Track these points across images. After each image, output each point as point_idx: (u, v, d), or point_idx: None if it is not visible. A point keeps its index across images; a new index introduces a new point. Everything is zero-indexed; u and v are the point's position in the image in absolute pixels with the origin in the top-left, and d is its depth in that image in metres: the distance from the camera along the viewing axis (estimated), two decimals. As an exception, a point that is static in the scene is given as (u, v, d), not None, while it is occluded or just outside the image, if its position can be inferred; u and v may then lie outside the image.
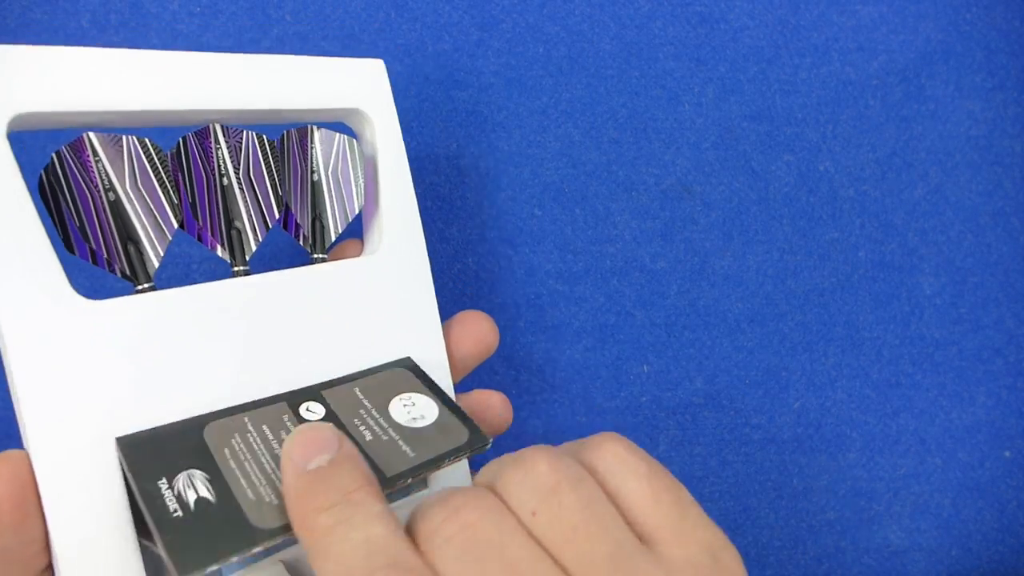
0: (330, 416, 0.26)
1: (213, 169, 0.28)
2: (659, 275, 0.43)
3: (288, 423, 0.26)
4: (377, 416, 0.27)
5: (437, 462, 0.26)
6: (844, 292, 0.44)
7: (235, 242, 0.28)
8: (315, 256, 0.30)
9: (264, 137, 0.29)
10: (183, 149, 0.27)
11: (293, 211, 0.30)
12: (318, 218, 0.30)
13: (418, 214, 0.32)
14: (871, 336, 0.44)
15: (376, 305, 0.30)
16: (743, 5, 0.44)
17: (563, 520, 0.21)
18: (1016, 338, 0.45)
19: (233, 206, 0.28)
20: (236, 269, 0.28)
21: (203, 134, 0.28)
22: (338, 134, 0.31)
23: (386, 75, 0.32)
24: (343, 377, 0.28)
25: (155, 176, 0.27)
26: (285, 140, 0.30)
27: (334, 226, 0.30)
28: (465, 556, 0.20)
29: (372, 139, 0.32)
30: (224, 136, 0.28)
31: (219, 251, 0.28)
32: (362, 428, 0.26)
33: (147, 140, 0.26)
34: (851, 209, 0.44)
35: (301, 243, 0.30)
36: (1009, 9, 0.45)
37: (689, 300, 0.43)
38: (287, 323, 0.28)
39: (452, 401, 0.28)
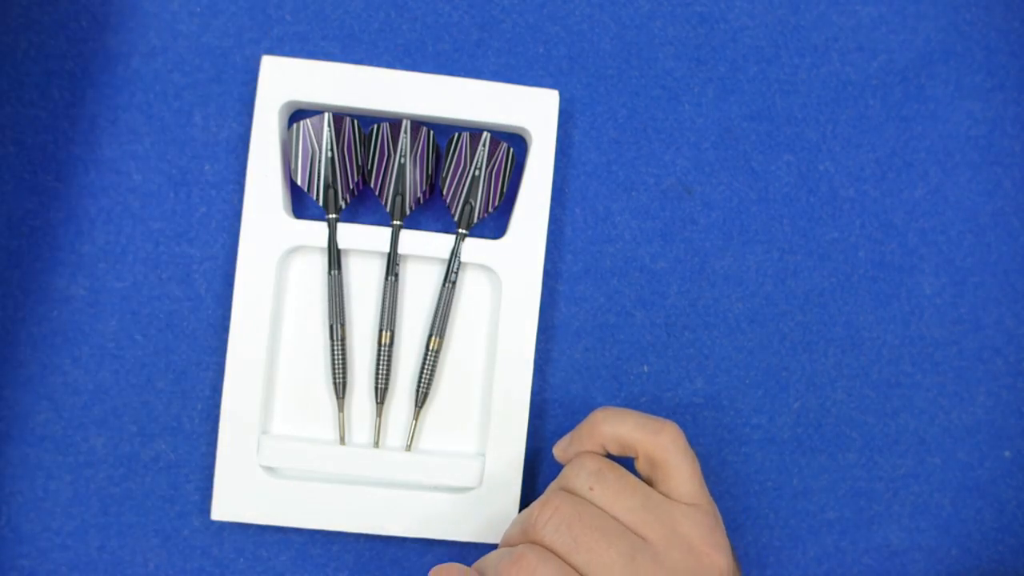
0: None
1: (396, 151, 0.40)
2: (659, 275, 0.43)
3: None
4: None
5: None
6: (844, 292, 0.44)
7: (397, 205, 0.40)
8: (460, 231, 0.40)
9: (432, 134, 0.40)
10: (376, 132, 0.40)
11: (448, 194, 0.40)
12: (468, 203, 0.40)
13: (546, 220, 0.40)
14: (871, 336, 0.44)
15: (494, 274, 0.41)
16: (743, 5, 0.44)
17: (609, 487, 0.33)
18: (1016, 338, 0.45)
19: (402, 179, 0.40)
20: (394, 223, 0.40)
21: (395, 125, 0.40)
22: (503, 143, 0.40)
23: (556, 104, 0.40)
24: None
25: (356, 149, 0.40)
26: (456, 139, 0.40)
27: (479, 213, 0.40)
28: (560, 526, 0.31)
29: (530, 153, 0.40)
30: (409, 131, 0.40)
31: (386, 207, 0.40)
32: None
33: (357, 122, 0.40)
34: (851, 209, 0.44)
35: (454, 218, 0.40)
36: (1009, 9, 0.45)
37: (689, 300, 0.43)
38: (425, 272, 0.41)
39: None
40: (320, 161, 0.39)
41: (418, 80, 0.39)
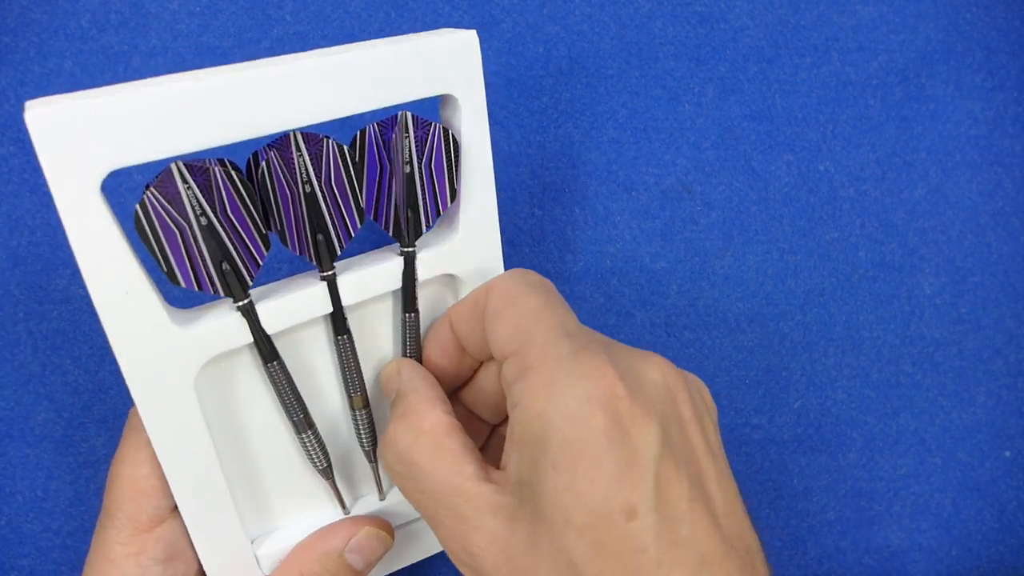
0: None
1: (295, 178, 0.28)
2: (659, 275, 0.43)
3: None
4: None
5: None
6: (844, 292, 0.44)
7: (320, 250, 0.29)
8: (324, 274, 0.30)
9: (344, 147, 0.29)
10: (266, 165, 0.28)
11: (377, 209, 0.30)
12: (408, 212, 0.30)
13: (494, 196, 0.32)
14: (871, 336, 0.44)
15: (454, 278, 0.33)
16: (743, 5, 0.44)
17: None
18: (1016, 338, 0.45)
19: (316, 214, 0.29)
20: (323, 275, 0.30)
21: (283, 143, 0.28)
22: (433, 123, 0.30)
23: (478, 50, 0.30)
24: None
25: (240, 201, 0.27)
26: (362, 137, 0.29)
27: (428, 218, 0.30)
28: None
29: (459, 122, 0.31)
30: (304, 143, 0.28)
31: (309, 259, 0.30)
32: None
33: (228, 163, 0.27)
34: (851, 209, 0.44)
35: (391, 235, 0.31)
36: (1009, 9, 0.45)
37: (689, 300, 0.43)
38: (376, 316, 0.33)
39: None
40: (195, 237, 0.27)
41: (275, 71, 0.26)
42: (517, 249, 0.42)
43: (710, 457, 0.25)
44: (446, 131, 0.30)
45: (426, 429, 0.27)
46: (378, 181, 0.30)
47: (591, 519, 0.22)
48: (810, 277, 0.44)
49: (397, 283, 0.31)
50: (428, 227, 0.31)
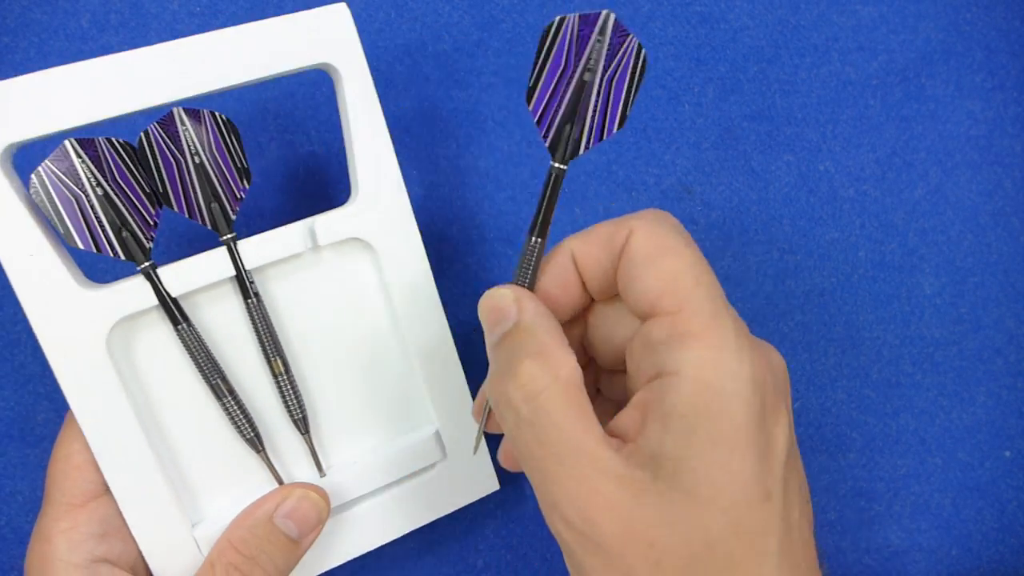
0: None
1: (183, 151, 0.31)
2: (659, 275, 0.43)
3: None
4: None
5: None
6: (844, 292, 0.44)
7: (216, 216, 0.32)
8: (224, 238, 0.32)
9: (218, 114, 0.31)
10: (147, 141, 0.31)
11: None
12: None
13: (394, 159, 0.33)
14: (871, 336, 0.44)
15: (364, 243, 0.34)
16: (743, 5, 0.44)
17: None
18: (1016, 338, 0.45)
19: (207, 183, 0.32)
20: (224, 238, 0.32)
21: (168, 120, 0.31)
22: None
23: (351, 19, 0.32)
24: None
25: (128, 171, 0.31)
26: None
27: (587, 138, 0.29)
28: None
29: (343, 89, 0.32)
30: (188, 118, 0.31)
31: (206, 224, 0.32)
32: None
33: (114, 139, 0.30)
34: (851, 209, 0.44)
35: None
36: (1009, 9, 0.45)
37: (689, 300, 0.43)
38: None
39: None
40: (92, 206, 0.30)
41: (156, 54, 0.30)
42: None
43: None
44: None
45: (563, 377, 0.25)
46: (558, 79, 0.28)
47: (738, 498, 0.23)
48: (810, 277, 0.44)
49: (301, 248, 0.33)
50: (585, 147, 0.29)
